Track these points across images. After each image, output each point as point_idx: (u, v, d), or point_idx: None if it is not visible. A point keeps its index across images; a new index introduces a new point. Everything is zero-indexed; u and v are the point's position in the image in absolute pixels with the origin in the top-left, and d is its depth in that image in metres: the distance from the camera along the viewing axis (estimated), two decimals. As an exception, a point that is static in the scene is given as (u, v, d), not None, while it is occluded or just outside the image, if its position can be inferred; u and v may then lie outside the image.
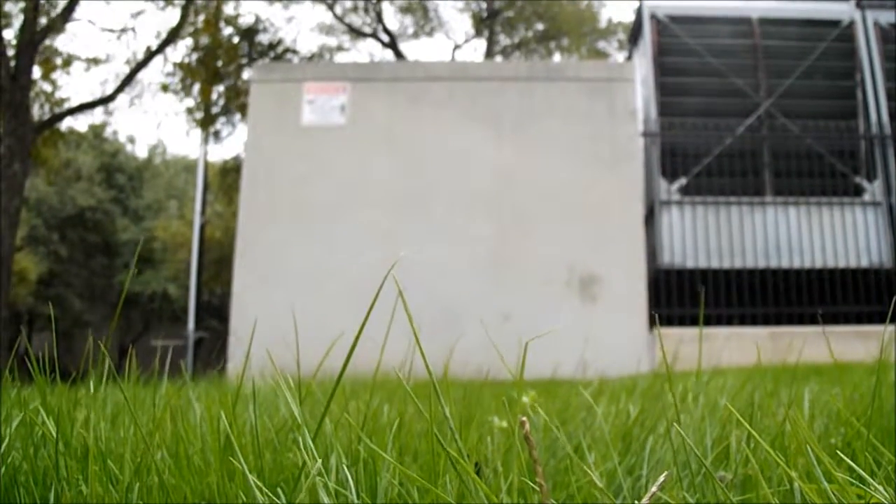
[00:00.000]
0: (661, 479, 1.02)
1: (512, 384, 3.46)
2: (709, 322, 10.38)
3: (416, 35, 27.31)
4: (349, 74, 10.98)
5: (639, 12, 12.81)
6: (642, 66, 12.32)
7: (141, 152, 38.49)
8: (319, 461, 1.03)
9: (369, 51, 31.49)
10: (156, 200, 34.22)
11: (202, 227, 17.07)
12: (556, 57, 27.10)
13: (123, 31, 17.19)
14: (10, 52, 13.23)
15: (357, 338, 0.99)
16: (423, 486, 1.08)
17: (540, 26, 27.09)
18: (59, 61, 15.70)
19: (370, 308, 0.95)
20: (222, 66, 17.00)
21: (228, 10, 17.77)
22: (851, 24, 12.32)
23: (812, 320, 10.12)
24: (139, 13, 17.21)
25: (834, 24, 12.35)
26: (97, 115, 22.85)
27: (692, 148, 11.59)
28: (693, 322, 10.31)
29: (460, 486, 1.06)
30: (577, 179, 10.21)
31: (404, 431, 1.41)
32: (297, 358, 1.28)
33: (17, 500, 1.19)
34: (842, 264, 11.13)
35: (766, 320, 10.71)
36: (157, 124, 55.09)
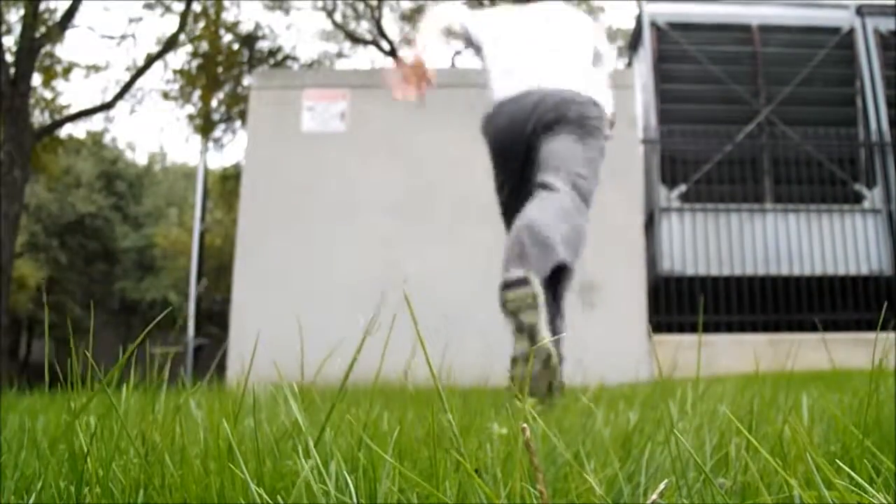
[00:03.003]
0: (662, 486, 1.02)
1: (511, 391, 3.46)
2: (708, 329, 10.37)
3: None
4: (349, 81, 10.99)
5: (638, 19, 12.83)
6: (642, 73, 12.34)
7: (141, 159, 38.57)
8: (320, 465, 1.03)
9: (370, 57, 31.51)
10: (156, 207, 34.25)
11: (202, 234, 17.06)
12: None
13: (123, 37, 17.22)
14: (10, 59, 13.25)
15: (358, 350, 0.99)
16: (424, 491, 1.08)
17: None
18: (59, 68, 15.72)
19: (374, 318, 0.95)
20: (222, 72, 17.02)
21: (228, 16, 17.80)
22: (851, 31, 12.34)
23: (812, 327, 10.13)
24: (138, 20, 17.25)
25: (834, 31, 12.37)
26: (97, 122, 22.89)
27: (692, 155, 11.60)
28: (693, 329, 10.31)
29: (460, 492, 1.07)
30: (576, 186, 10.20)
31: (404, 437, 1.41)
32: (301, 364, 1.28)
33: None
34: (841, 271, 11.13)
35: (766, 327, 10.71)
36: (158, 130, 55.20)
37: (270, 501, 1.03)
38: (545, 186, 3.63)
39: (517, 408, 1.92)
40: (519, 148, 3.88)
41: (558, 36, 4.15)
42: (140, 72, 15.98)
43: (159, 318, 1.34)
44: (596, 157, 3.96)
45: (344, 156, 10.42)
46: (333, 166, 10.36)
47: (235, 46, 18.08)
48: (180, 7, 16.23)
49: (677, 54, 12.21)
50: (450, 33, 4.26)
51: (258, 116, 10.83)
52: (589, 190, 3.83)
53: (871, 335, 9.77)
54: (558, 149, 3.75)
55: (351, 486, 1.07)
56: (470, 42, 4.32)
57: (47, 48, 14.68)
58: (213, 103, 17.16)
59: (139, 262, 32.29)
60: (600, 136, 3.97)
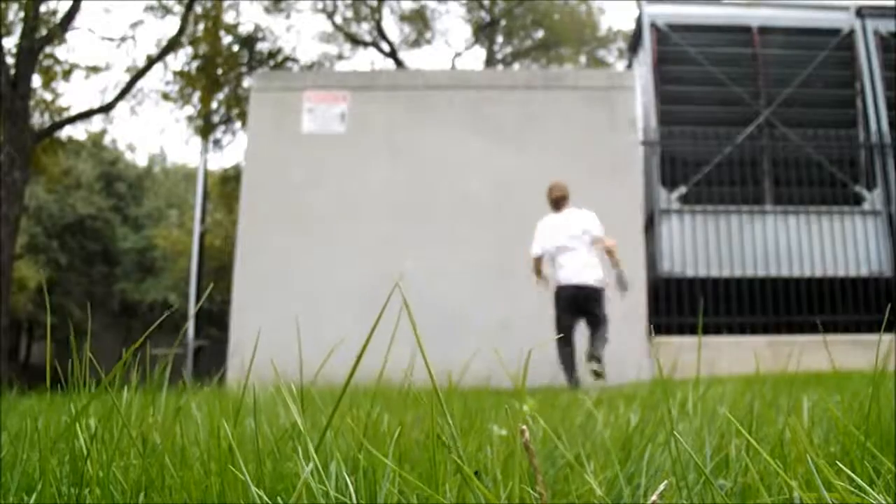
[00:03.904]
0: (661, 487, 1.02)
1: (512, 392, 3.46)
2: (708, 331, 10.36)
3: (416, 43, 27.34)
4: (349, 83, 10.99)
5: (639, 21, 12.82)
6: (642, 75, 12.33)
7: (141, 161, 38.54)
8: (320, 467, 1.03)
9: (370, 59, 31.50)
10: (156, 209, 34.22)
11: (202, 236, 17.07)
12: (556, 65, 27.15)
13: (123, 39, 17.21)
14: (10, 61, 13.25)
15: (362, 351, 0.99)
16: (424, 494, 1.08)
17: (540, 34, 27.12)
18: (59, 70, 15.71)
19: (375, 322, 0.95)
20: (222, 74, 17.01)
21: (228, 18, 17.79)
22: (851, 32, 12.34)
23: (812, 329, 10.12)
24: (139, 22, 17.25)
25: (834, 32, 12.37)
26: (97, 124, 22.85)
27: (692, 156, 11.60)
28: (692, 331, 10.30)
29: (459, 494, 1.06)
30: (576, 188, 10.20)
31: (404, 439, 1.41)
32: (304, 365, 1.28)
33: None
34: (841, 273, 11.13)
35: (766, 329, 10.70)
36: (158, 131, 55.15)
37: (270, 503, 1.03)
38: (597, 322, 7.95)
39: (516, 408, 1.92)
40: (575, 304, 7.99)
41: (577, 234, 8.12)
42: (140, 73, 15.96)
43: (160, 320, 1.34)
44: (604, 313, 8.02)
45: (344, 157, 10.42)
46: (333, 167, 10.37)
47: (235, 48, 18.07)
48: (181, 9, 16.22)
49: (677, 56, 12.21)
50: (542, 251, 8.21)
51: (258, 118, 10.84)
52: (605, 326, 7.96)
53: (870, 337, 9.77)
54: (593, 319, 7.98)
55: (351, 487, 1.07)
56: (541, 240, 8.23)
57: (47, 50, 14.67)
58: (213, 105, 17.15)
59: (139, 263, 32.27)
60: (603, 299, 8.06)
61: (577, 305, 8.05)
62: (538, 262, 8.31)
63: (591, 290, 8.02)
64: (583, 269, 8.07)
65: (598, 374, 7.60)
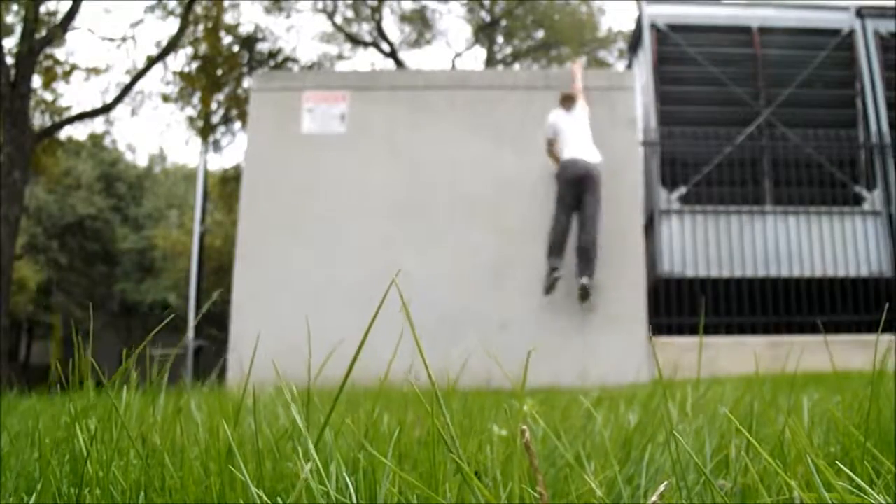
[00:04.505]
0: (661, 488, 1.02)
1: (511, 393, 3.46)
2: (708, 331, 10.36)
3: (416, 43, 27.35)
4: (349, 83, 10.98)
5: (639, 21, 12.82)
6: (642, 75, 12.33)
7: (141, 161, 38.55)
8: (320, 466, 1.03)
9: (370, 59, 31.49)
10: (156, 209, 34.22)
11: (202, 236, 17.07)
12: (557, 66, 27.14)
13: (123, 40, 17.22)
14: (10, 61, 13.25)
15: (359, 349, 0.99)
16: (424, 494, 1.08)
17: (540, 34, 27.14)
18: (59, 70, 15.71)
19: (371, 323, 0.95)
20: (222, 74, 17.02)
21: (228, 19, 17.81)
22: (851, 33, 12.33)
23: (812, 329, 10.11)
24: (139, 23, 17.27)
25: (834, 33, 12.36)
26: (98, 124, 22.85)
27: (692, 157, 11.59)
28: (692, 331, 10.29)
29: (459, 494, 1.06)
30: (576, 188, 10.23)
31: (404, 439, 1.41)
32: (307, 365, 1.28)
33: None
34: (841, 273, 11.12)
35: (766, 329, 10.70)
36: (159, 132, 55.13)
37: (270, 503, 1.03)
38: (594, 206, 9.42)
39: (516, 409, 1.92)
40: (578, 183, 9.37)
41: (582, 124, 9.71)
42: (140, 74, 15.96)
43: (163, 323, 1.34)
44: (600, 197, 9.41)
45: (344, 157, 10.42)
46: (333, 168, 10.36)
47: (235, 48, 18.09)
48: (181, 10, 16.22)
49: (677, 56, 12.21)
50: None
51: (258, 118, 10.83)
52: (599, 211, 9.42)
53: (870, 337, 9.76)
54: (590, 200, 9.37)
55: (351, 487, 1.07)
56: (556, 128, 9.79)
57: (47, 50, 14.68)
58: (213, 105, 17.16)
59: (139, 263, 32.30)
60: (601, 183, 9.40)
61: (580, 181, 9.45)
62: (552, 143, 9.90)
63: (593, 167, 9.48)
64: (588, 150, 9.58)
65: (585, 293, 9.21)
